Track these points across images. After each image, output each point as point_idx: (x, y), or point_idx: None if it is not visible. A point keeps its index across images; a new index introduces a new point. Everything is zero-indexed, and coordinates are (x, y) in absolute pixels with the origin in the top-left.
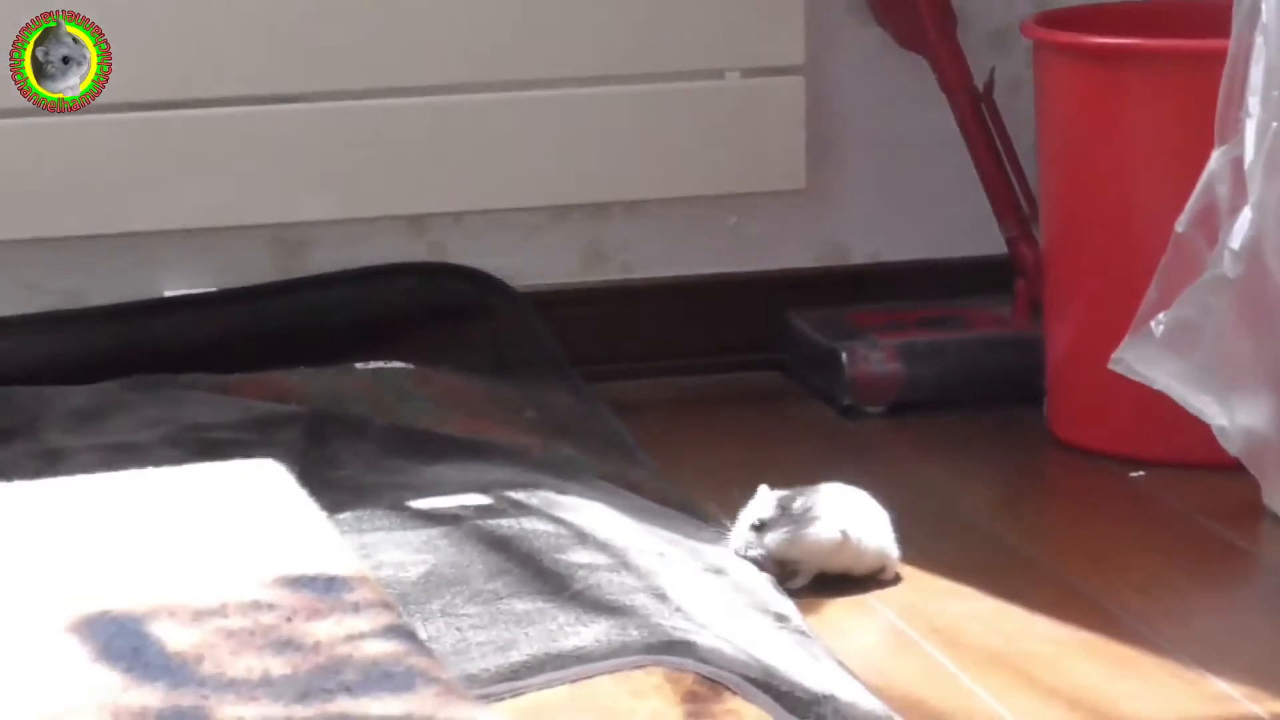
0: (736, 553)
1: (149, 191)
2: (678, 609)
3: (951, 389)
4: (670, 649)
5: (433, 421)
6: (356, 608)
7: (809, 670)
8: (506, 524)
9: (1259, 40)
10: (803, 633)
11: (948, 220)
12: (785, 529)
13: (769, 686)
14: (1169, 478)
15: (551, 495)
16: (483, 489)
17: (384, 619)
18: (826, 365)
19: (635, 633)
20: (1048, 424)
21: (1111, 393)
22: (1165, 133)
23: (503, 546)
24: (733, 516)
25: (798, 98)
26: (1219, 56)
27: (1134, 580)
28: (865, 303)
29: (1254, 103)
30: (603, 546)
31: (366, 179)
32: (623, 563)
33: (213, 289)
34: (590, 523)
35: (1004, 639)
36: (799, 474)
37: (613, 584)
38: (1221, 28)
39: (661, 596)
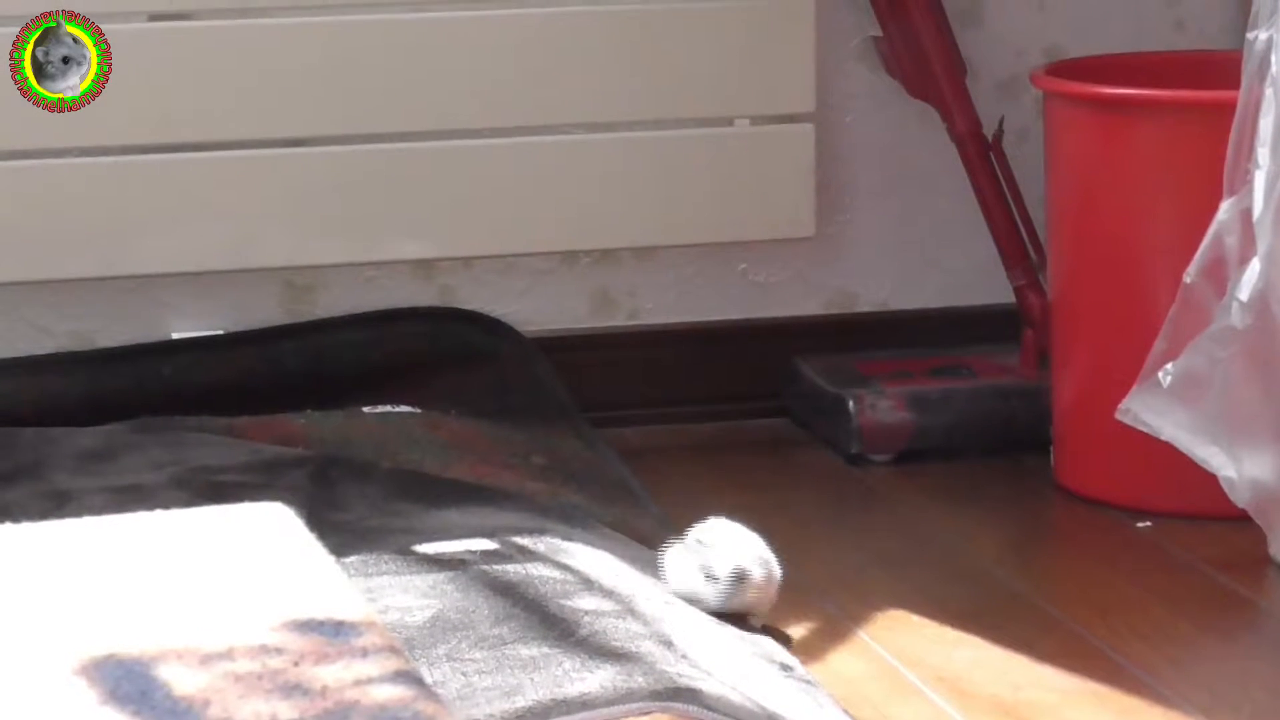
0: (687, 599)
1: (157, 234)
2: (683, 656)
3: (959, 438)
4: (676, 695)
5: (439, 466)
6: (364, 652)
7: (814, 718)
8: (512, 569)
9: (1269, 92)
10: (808, 682)
11: (956, 269)
12: (740, 579)
13: None
14: (1176, 528)
15: (558, 541)
16: (489, 534)
17: (392, 664)
18: (834, 413)
19: (641, 679)
20: (1055, 473)
21: (1119, 443)
22: (1174, 183)
23: (508, 592)
24: (783, 567)
25: (807, 145)
26: (1229, 108)
27: (1140, 630)
28: (873, 350)
29: (1263, 154)
30: (608, 593)
31: (376, 223)
32: (629, 609)
33: (221, 332)
34: (596, 569)
35: (1010, 688)
36: (807, 522)
37: (618, 630)
38: (1231, 79)
39: (667, 644)
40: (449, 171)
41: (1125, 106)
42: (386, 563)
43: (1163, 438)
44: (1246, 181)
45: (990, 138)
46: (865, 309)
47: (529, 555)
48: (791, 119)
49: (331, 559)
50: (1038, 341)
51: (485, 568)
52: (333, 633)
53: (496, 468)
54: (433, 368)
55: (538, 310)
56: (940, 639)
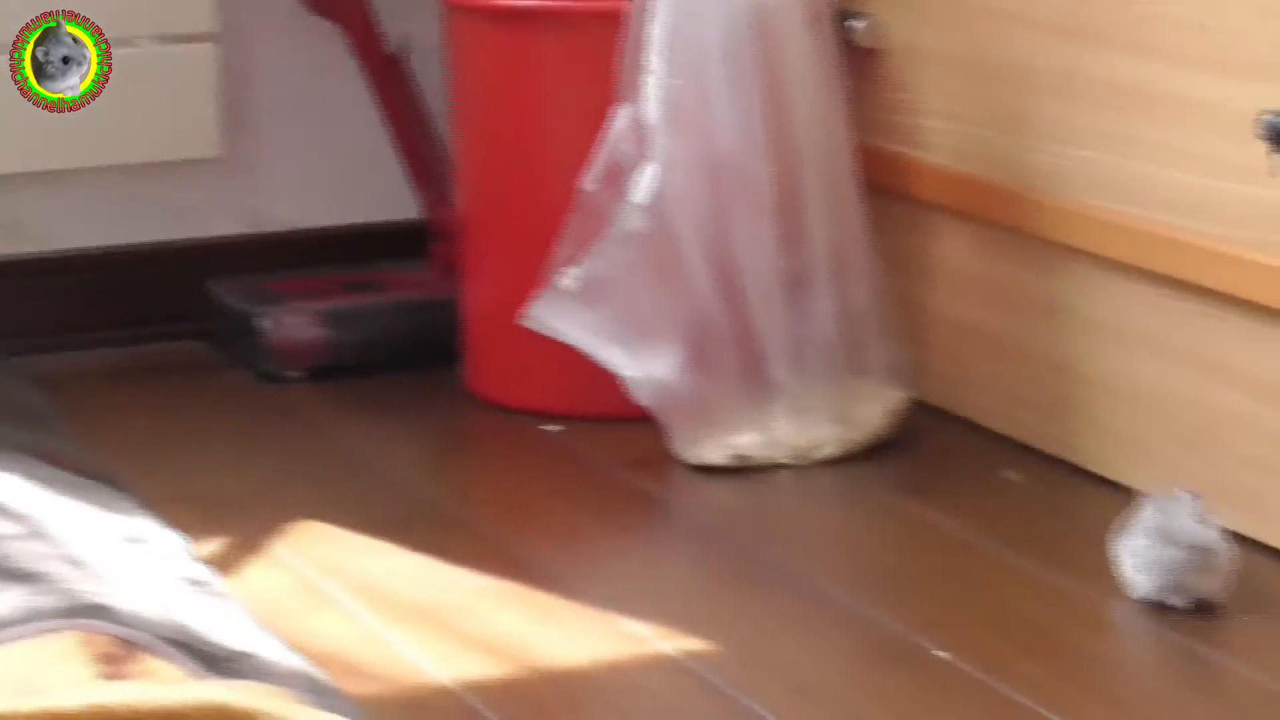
0: None
1: None
2: (94, 575)
3: (373, 352)
4: (86, 612)
5: None
6: None
7: (226, 629)
8: None
9: None
10: (221, 595)
11: (367, 186)
12: None
13: (185, 645)
14: (586, 431)
15: None
16: None
17: None
18: (246, 333)
19: (50, 598)
20: (467, 383)
21: (527, 350)
22: (573, 94)
23: None
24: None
25: (210, 65)
26: (624, 18)
27: (551, 530)
28: (288, 270)
29: (655, 60)
30: (16, 517)
31: None
32: (35, 532)
33: None
34: (3, 494)
35: (426, 591)
36: (223, 441)
37: (25, 553)
38: None
39: (76, 563)
40: None
41: (523, 19)
42: None
43: (567, 341)
44: (640, 88)
45: (394, 54)
46: (277, 229)
47: None
48: (194, 39)
49: None
50: (448, 255)
51: None
52: None
53: None
54: None
55: None
56: (359, 549)
